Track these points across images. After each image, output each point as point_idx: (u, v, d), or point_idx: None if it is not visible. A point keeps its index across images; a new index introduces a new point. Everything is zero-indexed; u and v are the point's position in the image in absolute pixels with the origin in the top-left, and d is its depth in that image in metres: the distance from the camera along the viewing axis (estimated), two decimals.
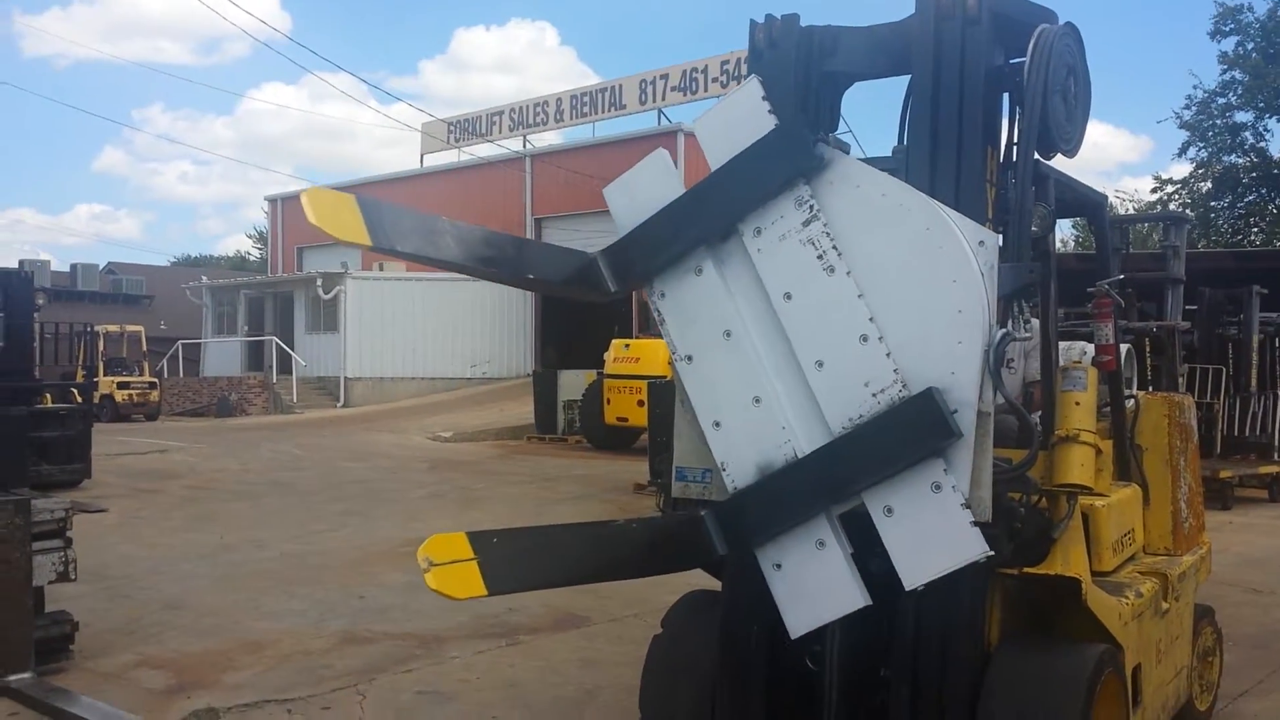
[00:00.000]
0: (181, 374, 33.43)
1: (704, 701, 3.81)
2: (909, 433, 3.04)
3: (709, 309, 3.40)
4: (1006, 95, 3.78)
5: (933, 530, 3.01)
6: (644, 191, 3.53)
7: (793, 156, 3.29)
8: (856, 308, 3.17)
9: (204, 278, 37.91)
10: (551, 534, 3.39)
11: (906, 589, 3.06)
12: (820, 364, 3.20)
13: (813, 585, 3.21)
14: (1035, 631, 3.69)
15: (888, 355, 3.11)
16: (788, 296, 3.27)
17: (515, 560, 3.11)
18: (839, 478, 3.15)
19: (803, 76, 3.91)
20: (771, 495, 3.25)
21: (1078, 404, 3.55)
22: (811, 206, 3.26)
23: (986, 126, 3.66)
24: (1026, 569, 3.47)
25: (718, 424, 3.37)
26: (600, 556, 3.37)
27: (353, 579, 8.38)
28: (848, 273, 3.19)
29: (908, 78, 3.80)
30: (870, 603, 3.15)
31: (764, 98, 3.38)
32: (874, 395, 3.12)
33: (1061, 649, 3.53)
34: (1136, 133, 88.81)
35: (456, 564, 2.91)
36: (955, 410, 3.00)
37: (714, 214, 3.40)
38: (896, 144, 3.91)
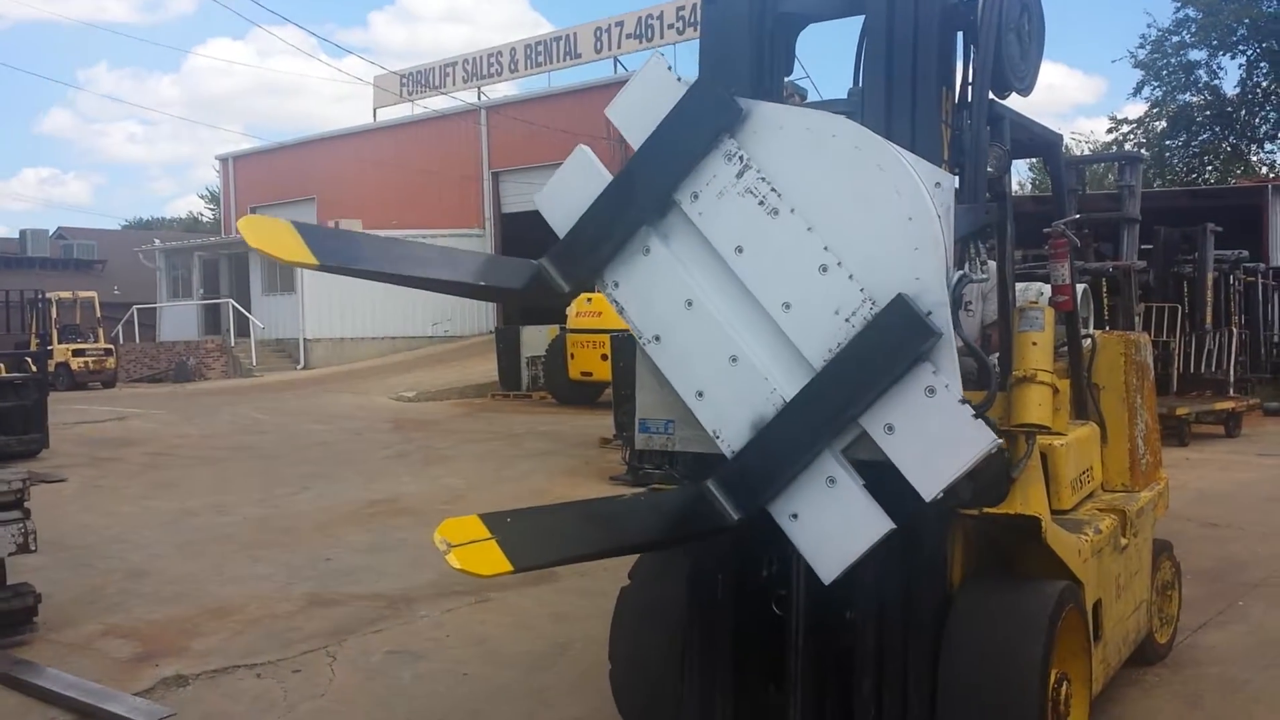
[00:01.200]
0: (138, 339, 32.98)
1: (673, 649, 3.83)
2: (889, 343, 3.04)
3: (665, 285, 3.39)
4: (961, 34, 3.74)
5: (938, 434, 3.01)
6: (573, 191, 3.54)
7: (712, 114, 3.33)
8: (809, 241, 3.18)
9: (157, 240, 37.25)
10: (563, 512, 3.39)
11: (926, 500, 3.03)
12: (787, 305, 3.21)
13: (834, 524, 3.15)
14: (997, 571, 3.73)
15: (850, 278, 3.12)
16: (739, 250, 3.28)
17: (533, 537, 3.09)
18: (832, 409, 3.12)
19: (757, 19, 3.85)
20: (770, 447, 3.21)
21: (1035, 344, 3.56)
22: (741, 157, 3.30)
23: (941, 66, 3.62)
24: (987, 509, 3.49)
25: (700, 394, 3.35)
26: (614, 533, 3.33)
27: (318, 541, 8.35)
28: (792, 210, 3.22)
29: (862, 18, 3.76)
30: (895, 526, 3.10)
31: (669, 68, 3.43)
32: (846, 320, 3.12)
33: (1023, 587, 3.57)
34: (1090, 73, 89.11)
35: (475, 544, 2.87)
36: (929, 312, 3.02)
37: (648, 191, 3.41)
38: (852, 86, 3.88)
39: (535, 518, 3.29)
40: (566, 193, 3.56)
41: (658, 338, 3.42)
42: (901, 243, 3.07)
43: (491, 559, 2.87)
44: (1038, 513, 3.53)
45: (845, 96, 3.87)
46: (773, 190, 3.25)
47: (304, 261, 3.12)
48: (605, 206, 3.46)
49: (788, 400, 3.21)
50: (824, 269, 3.16)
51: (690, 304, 3.36)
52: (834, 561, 3.16)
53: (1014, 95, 3.83)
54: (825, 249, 3.16)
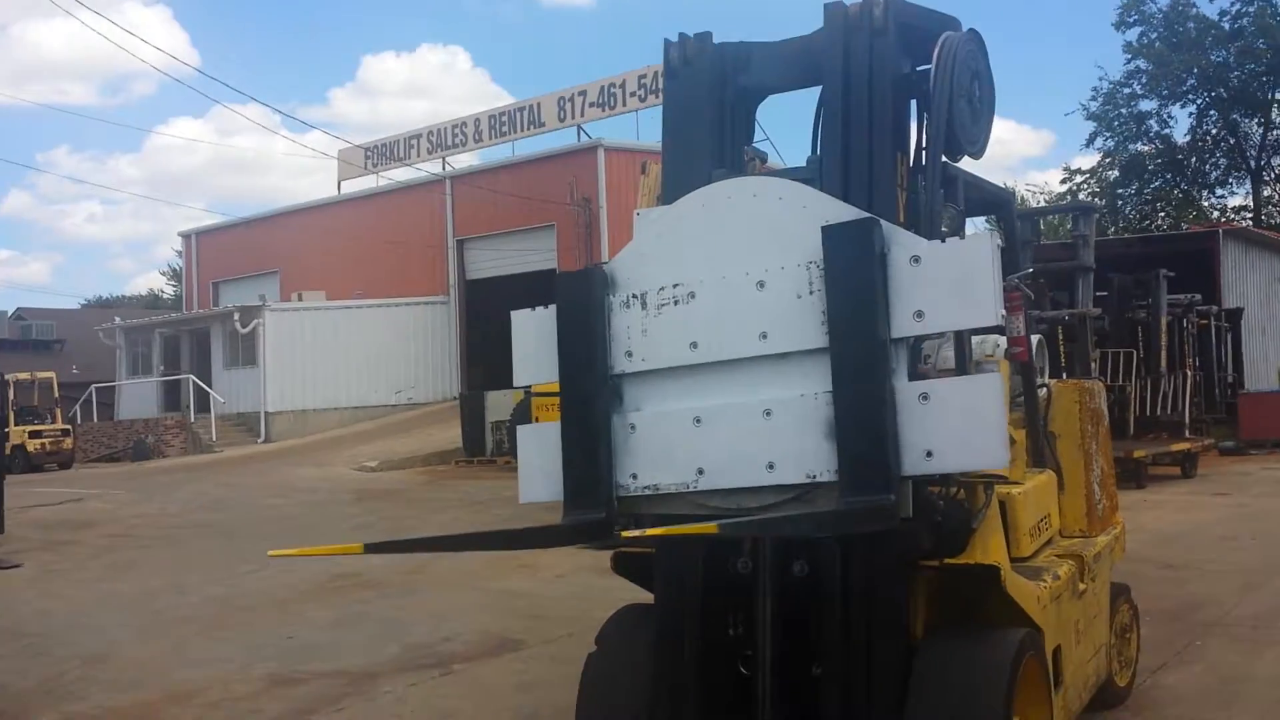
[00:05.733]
0: (96, 419, 32.56)
1: (641, 714, 3.79)
2: (852, 266, 3.14)
3: (670, 433, 3.43)
4: (914, 102, 3.85)
5: (954, 278, 3.05)
6: (542, 460, 3.64)
7: (588, 295, 3.53)
8: (732, 283, 3.35)
9: (117, 318, 36.89)
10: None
11: (998, 322, 3.09)
12: (764, 335, 3.30)
13: (960, 421, 3.03)
14: (958, 621, 3.73)
15: (783, 269, 3.28)
16: (694, 345, 3.40)
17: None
18: (868, 354, 3.11)
19: (718, 92, 4.00)
20: (857, 435, 3.12)
21: None
22: (633, 295, 3.50)
23: (895, 133, 3.73)
24: (947, 560, 3.51)
25: (771, 465, 3.27)
26: (788, 525, 3.30)
27: (280, 619, 8.20)
28: (700, 281, 3.41)
29: (819, 89, 3.86)
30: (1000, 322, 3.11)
31: (530, 309, 3.71)
32: (810, 293, 3.23)
33: (983, 636, 3.57)
34: (1038, 128, 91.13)
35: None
36: (853, 220, 3.19)
37: (593, 392, 3.50)
38: (810, 154, 3.97)
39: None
40: (538, 465, 3.65)
41: (700, 470, 3.38)
42: (791, 213, 3.29)
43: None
44: (997, 561, 3.55)
45: (804, 164, 3.96)
46: (674, 286, 3.44)
47: (351, 550, 3.56)
48: (573, 440, 3.52)
49: (831, 390, 3.18)
50: (761, 285, 3.31)
51: (699, 420, 3.39)
52: (992, 447, 3.02)
53: (966, 157, 3.93)
54: (746, 274, 3.32)
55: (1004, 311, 4.47)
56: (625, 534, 2.90)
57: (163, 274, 69.05)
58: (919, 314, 3.10)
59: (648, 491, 3.46)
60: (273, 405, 29.03)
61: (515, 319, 3.76)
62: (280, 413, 29.11)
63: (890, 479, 3.09)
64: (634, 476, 3.48)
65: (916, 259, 3.11)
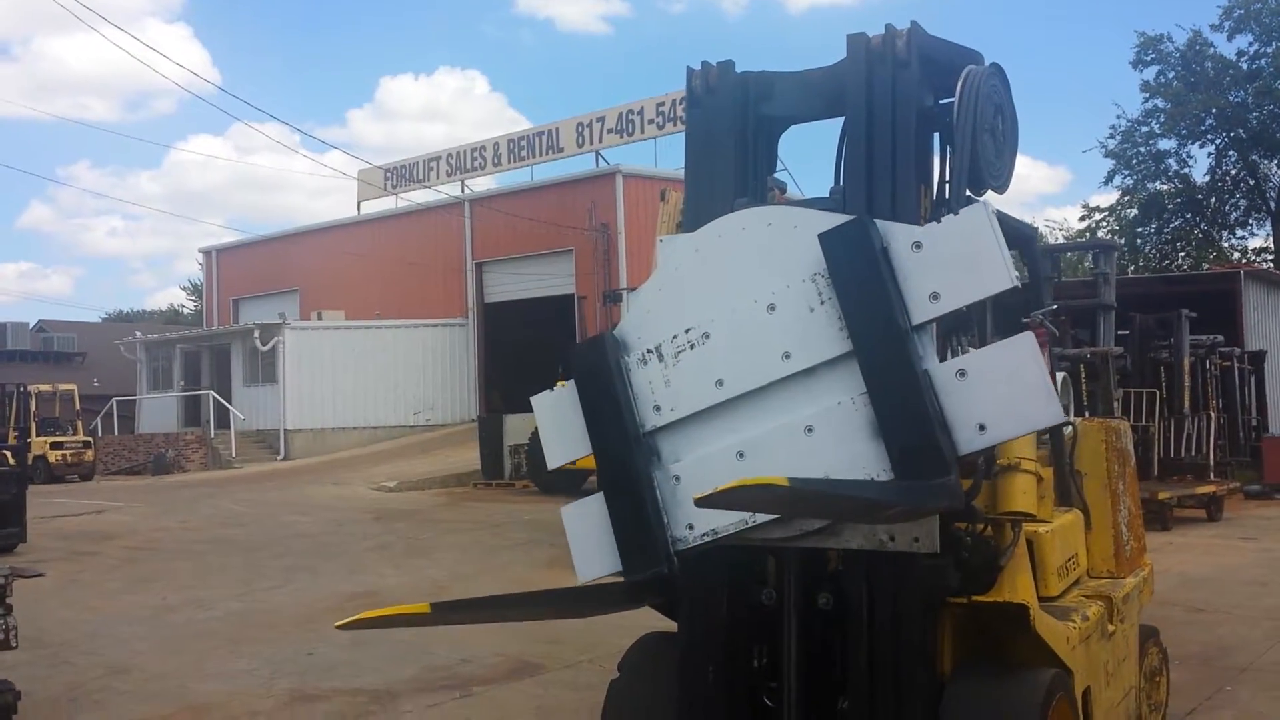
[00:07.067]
0: (116, 432, 32.69)
1: None
2: (856, 264, 3.21)
3: (715, 475, 3.36)
4: (937, 135, 3.88)
5: (957, 253, 3.11)
6: (591, 529, 3.66)
7: (605, 364, 3.59)
8: (744, 315, 3.41)
9: (138, 333, 37.13)
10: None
11: (1012, 283, 3.11)
12: (786, 355, 3.34)
13: (1005, 392, 3.06)
14: (987, 659, 3.73)
15: (788, 288, 3.35)
16: (720, 383, 3.44)
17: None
18: (895, 345, 3.15)
19: (740, 120, 4.01)
20: (902, 426, 3.14)
21: None
22: (648, 350, 3.57)
23: (919, 165, 3.75)
24: (975, 597, 3.52)
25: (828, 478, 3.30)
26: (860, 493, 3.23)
27: (300, 635, 8.23)
28: (712, 320, 3.46)
29: (842, 120, 3.89)
30: (1028, 321, 3.11)
31: (548, 390, 3.79)
32: (821, 304, 3.29)
33: (1013, 675, 3.57)
34: (1054, 164, 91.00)
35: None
36: (847, 221, 3.26)
37: (631, 453, 3.54)
38: (834, 184, 3.99)
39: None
40: (590, 541, 3.66)
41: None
42: (783, 235, 3.38)
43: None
44: (1025, 600, 3.55)
45: (827, 195, 3.98)
46: (686, 332, 3.49)
47: (418, 611, 3.56)
48: (620, 506, 3.56)
49: (866, 390, 3.21)
50: (771, 308, 3.37)
51: (742, 454, 3.41)
52: (1043, 405, 3.06)
53: (989, 192, 3.95)
54: (755, 301, 3.38)
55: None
56: (697, 497, 2.93)
57: (183, 289, 69.52)
58: (934, 295, 3.15)
59: (707, 539, 3.45)
60: (292, 423, 29.13)
61: (536, 403, 3.82)
62: (299, 430, 29.19)
63: (946, 461, 3.10)
64: (690, 527, 3.48)
65: (918, 245, 3.17)
